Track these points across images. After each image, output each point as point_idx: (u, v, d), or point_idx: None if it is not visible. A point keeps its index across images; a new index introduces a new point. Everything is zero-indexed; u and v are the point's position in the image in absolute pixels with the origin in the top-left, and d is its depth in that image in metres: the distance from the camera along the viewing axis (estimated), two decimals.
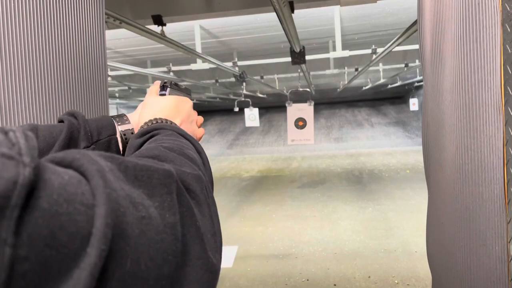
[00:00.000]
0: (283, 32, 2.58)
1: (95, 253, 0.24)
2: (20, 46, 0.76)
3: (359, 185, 6.99)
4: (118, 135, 0.70)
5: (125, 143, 0.70)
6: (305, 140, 5.13)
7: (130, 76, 6.92)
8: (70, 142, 0.63)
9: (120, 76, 6.71)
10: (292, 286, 3.33)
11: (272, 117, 14.95)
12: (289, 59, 3.84)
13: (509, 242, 0.70)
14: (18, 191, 0.21)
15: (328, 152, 11.32)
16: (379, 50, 4.17)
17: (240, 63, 5.21)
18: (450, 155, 0.86)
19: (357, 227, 4.67)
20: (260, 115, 8.29)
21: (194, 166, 0.45)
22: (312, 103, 5.18)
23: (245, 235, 4.64)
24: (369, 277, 3.37)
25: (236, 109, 9.13)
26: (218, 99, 11.83)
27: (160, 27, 2.53)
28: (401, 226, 4.62)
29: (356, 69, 6.42)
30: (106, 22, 1.69)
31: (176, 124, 0.63)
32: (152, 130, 0.56)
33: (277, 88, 7.92)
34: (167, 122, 0.61)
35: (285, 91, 8.06)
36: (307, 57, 3.88)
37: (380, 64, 7.00)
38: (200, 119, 0.76)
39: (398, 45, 3.01)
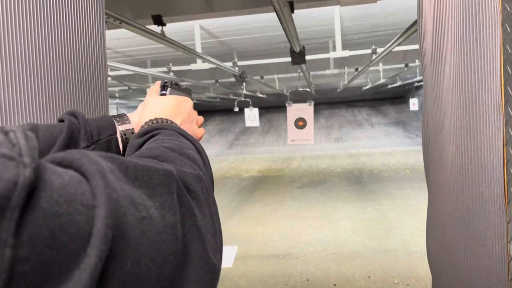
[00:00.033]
0: (283, 32, 2.58)
1: (96, 254, 0.24)
2: (20, 46, 0.76)
3: (359, 185, 6.99)
4: (118, 135, 0.70)
5: (125, 143, 0.70)
6: (305, 140, 5.12)
7: (130, 76, 6.92)
8: (70, 142, 0.63)
9: (120, 76, 6.71)
10: (292, 286, 3.33)
11: (272, 117, 14.95)
12: (289, 59, 3.84)
13: (509, 242, 0.70)
14: (19, 192, 0.21)
15: (328, 152, 11.32)
16: (379, 50, 4.17)
17: (240, 63, 5.21)
18: (450, 155, 0.86)
19: (357, 227, 4.67)
20: (260, 115, 8.29)
21: (194, 166, 0.45)
22: (312, 103, 5.18)
23: (245, 235, 4.64)
24: (369, 277, 3.37)
25: (236, 109, 9.13)
26: (218, 99, 11.83)
27: (160, 27, 2.53)
28: (401, 226, 4.62)
29: (356, 69, 6.42)
30: (106, 22, 1.69)
31: (176, 124, 0.63)
32: (153, 130, 0.56)
33: (277, 88, 7.92)
34: (167, 122, 0.61)
35: (285, 91, 8.06)
36: (307, 57, 3.88)
37: (380, 64, 7.00)
38: (201, 119, 0.76)
39: (398, 45, 3.01)
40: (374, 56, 4.36)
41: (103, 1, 1.04)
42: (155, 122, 0.61)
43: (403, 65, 6.72)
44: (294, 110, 5.16)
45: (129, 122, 0.72)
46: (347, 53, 4.39)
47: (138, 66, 4.94)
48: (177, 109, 0.68)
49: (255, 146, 12.90)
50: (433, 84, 0.99)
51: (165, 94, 0.73)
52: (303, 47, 3.55)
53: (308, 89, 6.90)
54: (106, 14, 1.66)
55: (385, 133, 12.79)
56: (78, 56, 0.93)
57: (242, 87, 6.78)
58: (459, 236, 0.83)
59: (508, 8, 0.69)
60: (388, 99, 14.99)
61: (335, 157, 10.50)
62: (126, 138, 0.70)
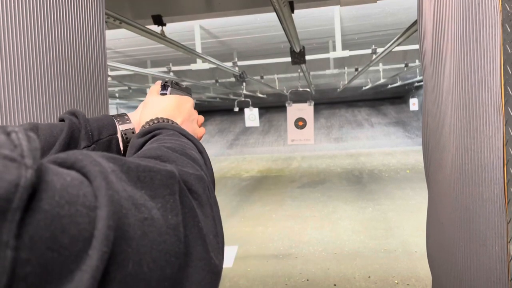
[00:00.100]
0: (283, 32, 2.58)
1: (97, 256, 0.24)
2: (20, 45, 0.76)
3: (359, 185, 6.99)
4: (119, 135, 0.70)
5: (126, 142, 0.70)
6: (305, 140, 5.12)
7: (130, 76, 6.92)
8: (71, 142, 0.63)
9: (120, 76, 6.71)
10: (292, 286, 3.33)
11: (272, 117, 14.95)
12: (289, 59, 3.84)
13: (509, 242, 0.70)
14: (20, 194, 0.21)
15: (328, 152, 11.32)
16: (379, 50, 4.17)
17: (240, 63, 5.20)
18: (450, 155, 0.86)
19: (357, 227, 4.67)
20: (260, 115, 8.29)
21: (196, 167, 0.45)
22: (312, 103, 5.18)
23: (245, 235, 4.64)
24: (369, 277, 3.37)
25: (236, 109, 9.13)
26: (218, 99, 11.82)
27: (160, 27, 2.53)
28: (401, 226, 4.62)
29: (356, 69, 6.42)
30: (106, 22, 1.69)
31: (177, 124, 0.63)
32: (154, 129, 0.56)
33: (277, 88, 7.92)
34: (168, 122, 0.61)
35: (285, 91, 8.06)
36: (307, 57, 3.88)
37: (380, 64, 7.00)
38: (201, 118, 0.76)
39: (398, 45, 3.01)
40: (374, 56, 4.36)
41: (103, 1, 1.04)
42: (156, 121, 0.61)
43: (403, 65, 6.72)
44: (294, 110, 5.16)
45: (130, 122, 0.72)
46: (347, 53, 4.39)
47: (138, 66, 4.93)
48: (177, 109, 0.68)
49: (255, 146, 12.90)
50: (433, 84, 0.99)
51: (165, 94, 0.73)
52: (303, 47, 3.55)
53: (308, 89, 6.90)
54: (106, 14, 1.66)
55: (385, 133, 12.79)
56: (78, 56, 0.93)
57: (242, 87, 6.78)
58: (459, 236, 0.83)
59: (508, 8, 0.69)
60: (388, 99, 14.99)
61: (335, 157, 10.50)
62: (126, 138, 0.70)
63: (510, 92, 0.69)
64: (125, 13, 2.53)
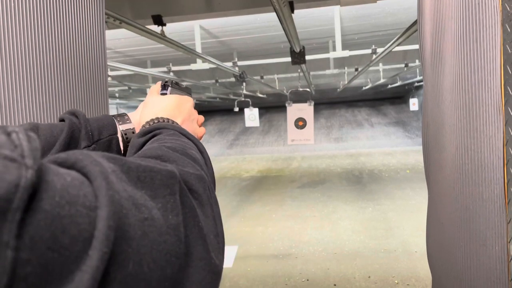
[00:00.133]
0: (283, 32, 2.58)
1: (97, 256, 0.24)
2: (20, 45, 0.76)
3: (359, 185, 6.99)
4: (119, 135, 0.70)
5: (126, 142, 0.70)
6: (305, 140, 5.12)
7: (130, 76, 6.92)
8: (71, 141, 0.63)
9: (120, 76, 6.71)
10: (292, 286, 3.33)
11: (272, 117, 14.95)
12: (289, 59, 3.84)
13: (509, 242, 0.70)
14: (21, 194, 0.21)
15: (328, 152, 11.32)
16: (379, 50, 4.17)
17: (240, 63, 5.20)
18: (450, 155, 0.87)
19: (357, 227, 4.67)
20: (260, 115, 8.29)
21: (196, 166, 0.45)
22: (312, 103, 5.18)
23: (245, 235, 4.64)
24: (369, 277, 3.37)
25: (236, 109, 9.13)
26: (218, 99, 11.82)
27: (160, 27, 2.53)
28: (401, 226, 4.62)
29: (356, 69, 6.42)
30: (106, 22, 1.69)
31: (177, 124, 0.63)
32: (154, 129, 0.56)
33: (277, 88, 7.92)
34: (168, 122, 0.61)
35: (285, 91, 8.06)
36: (307, 57, 3.88)
37: (380, 64, 7.00)
38: (201, 118, 0.76)
39: (398, 45, 3.01)
40: (374, 56, 4.36)
41: (103, 1, 1.04)
42: (156, 121, 0.61)
43: (403, 65, 6.72)
44: (294, 110, 5.16)
45: (130, 122, 0.72)
46: (347, 53, 4.39)
47: (138, 66, 4.93)
48: (178, 109, 0.68)
49: (255, 146, 12.90)
50: (433, 84, 0.99)
51: (165, 94, 0.73)
52: (303, 47, 3.55)
53: (308, 89, 6.90)
54: (106, 14, 1.66)
55: (385, 133, 12.79)
56: (78, 56, 0.93)
57: (242, 87, 6.78)
58: (459, 236, 0.83)
59: (508, 8, 0.69)
60: (388, 99, 14.99)
61: (335, 157, 10.50)
62: (127, 138, 0.70)
63: (510, 92, 0.69)
64: (125, 13, 2.53)
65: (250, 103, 8.02)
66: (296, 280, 3.41)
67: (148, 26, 2.36)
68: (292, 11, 2.14)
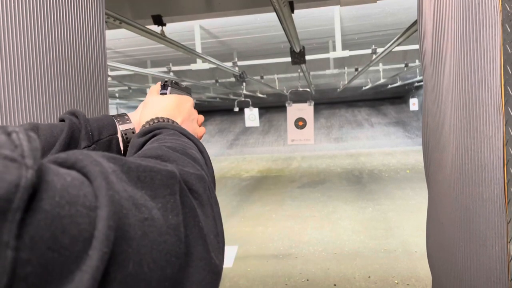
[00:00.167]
0: (283, 32, 2.58)
1: (97, 256, 0.24)
2: (20, 45, 0.76)
3: (359, 185, 6.99)
4: (119, 135, 0.70)
5: (126, 142, 0.70)
6: (305, 140, 5.12)
7: (130, 76, 6.92)
8: (71, 142, 0.63)
9: (120, 76, 6.71)
10: (292, 286, 3.33)
11: (272, 117, 14.95)
12: (289, 59, 3.84)
13: (509, 242, 0.70)
14: (21, 194, 0.21)
15: (328, 152, 11.32)
16: (379, 50, 4.17)
17: (240, 63, 5.20)
18: (450, 155, 0.87)
19: (357, 227, 4.67)
20: (260, 115, 8.29)
21: (197, 166, 0.45)
22: (312, 103, 5.18)
23: (245, 235, 4.64)
24: (369, 277, 3.37)
25: (236, 109, 9.13)
26: (218, 99, 11.82)
27: (160, 27, 2.53)
28: (401, 226, 4.62)
29: (356, 69, 6.42)
30: (106, 22, 1.69)
31: (177, 123, 0.63)
32: (154, 129, 0.56)
33: (277, 88, 7.92)
34: (168, 121, 0.61)
35: (285, 91, 8.06)
36: (307, 57, 3.88)
37: (380, 64, 7.00)
38: (201, 117, 0.76)
39: (398, 45, 3.01)
40: (374, 56, 4.36)
41: (103, 1, 1.04)
42: (156, 121, 0.61)
43: (403, 65, 6.72)
44: (294, 110, 5.16)
45: (130, 122, 0.72)
46: (347, 53, 4.39)
47: (138, 66, 4.93)
48: (177, 108, 0.68)
49: (255, 146, 12.90)
50: (433, 84, 0.99)
51: (165, 94, 0.73)
52: (303, 47, 3.55)
53: (308, 89, 6.90)
54: (106, 14, 1.66)
55: (385, 133, 12.79)
56: (78, 56, 0.93)
57: (242, 87, 6.78)
58: (459, 236, 0.83)
59: (508, 8, 0.69)
60: (388, 99, 14.99)
61: (335, 157, 10.50)
62: (127, 138, 0.70)
63: (510, 92, 0.69)
64: (125, 13, 2.53)
65: (250, 103, 8.02)
66: (296, 280, 3.41)
67: (148, 26, 2.36)
68: (292, 11, 2.14)
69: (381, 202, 5.74)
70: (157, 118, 0.62)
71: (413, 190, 6.26)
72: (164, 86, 0.74)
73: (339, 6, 2.53)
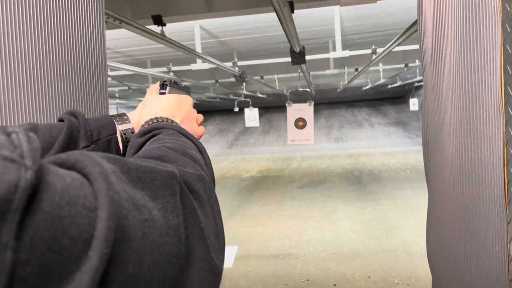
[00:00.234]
0: (283, 32, 2.58)
1: (97, 257, 0.24)
2: (20, 45, 0.76)
3: (359, 185, 6.99)
4: (118, 135, 0.70)
5: (125, 142, 0.70)
6: (305, 140, 5.13)
7: (130, 76, 6.92)
8: (70, 142, 0.63)
9: (120, 76, 6.71)
10: (292, 286, 3.33)
11: (272, 117, 14.95)
12: (289, 59, 3.84)
13: (509, 242, 0.70)
14: (20, 195, 0.21)
15: (328, 152, 11.32)
16: (379, 50, 4.17)
17: (240, 63, 5.20)
18: (450, 155, 0.86)
19: (357, 227, 4.67)
20: (260, 115, 8.29)
21: (197, 167, 0.45)
22: (312, 103, 5.18)
23: (245, 235, 4.64)
24: (369, 277, 3.37)
25: (236, 109, 9.13)
26: (218, 99, 11.82)
27: (160, 27, 2.52)
28: (401, 226, 4.62)
29: (356, 69, 6.42)
30: (106, 22, 1.69)
31: (177, 123, 0.63)
32: (154, 129, 0.56)
33: (277, 88, 7.92)
34: (168, 121, 0.61)
35: (285, 91, 8.06)
36: (307, 57, 3.87)
37: (380, 64, 7.00)
38: (200, 117, 0.76)
39: (398, 45, 3.01)
40: (374, 56, 4.36)
41: (103, 1, 1.04)
42: (155, 121, 0.61)
43: (403, 65, 6.72)
44: (294, 110, 5.16)
45: (129, 122, 0.72)
46: (347, 53, 4.39)
47: (138, 66, 4.93)
48: (177, 108, 0.68)
49: (255, 146, 12.90)
50: (433, 84, 0.99)
51: (164, 93, 0.73)
52: (303, 47, 3.55)
53: (308, 89, 6.90)
54: (106, 14, 1.65)
55: (385, 133, 12.79)
56: (78, 56, 0.93)
57: (242, 87, 6.78)
58: (459, 236, 0.83)
59: (508, 8, 0.69)
60: (388, 99, 14.99)
61: (335, 157, 10.50)
62: (126, 138, 0.70)
63: (510, 92, 0.69)
64: (125, 13, 2.53)
65: (250, 103, 8.02)
66: (296, 280, 3.41)
67: (148, 26, 2.36)
68: (292, 11, 2.14)
69: (381, 202, 5.74)
70: (156, 118, 0.61)
71: (413, 190, 6.26)
72: (163, 86, 0.74)
73: (339, 6, 2.53)
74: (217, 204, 0.45)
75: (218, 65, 4.16)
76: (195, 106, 0.78)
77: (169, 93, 0.73)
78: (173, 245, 0.32)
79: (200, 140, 0.65)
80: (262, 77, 7.22)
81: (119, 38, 4.69)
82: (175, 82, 0.77)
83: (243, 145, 13.13)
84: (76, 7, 0.92)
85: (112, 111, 7.45)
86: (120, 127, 0.70)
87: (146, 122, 0.61)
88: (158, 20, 2.48)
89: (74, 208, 0.24)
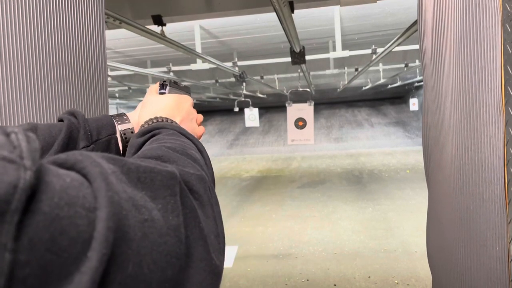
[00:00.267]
0: (283, 32, 2.57)
1: (96, 257, 0.24)
2: (20, 46, 0.76)
3: (359, 185, 6.99)
4: (118, 135, 0.70)
5: (125, 142, 0.70)
6: (305, 140, 5.13)
7: (130, 76, 6.92)
8: (70, 142, 0.63)
9: (120, 76, 6.71)
10: (292, 286, 3.33)
11: (272, 117, 14.95)
12: (289, 59, 3.84)
13: (510, 243, 0.70)
14: (19, 195, 0.21)
15: (328, 152, 11.32)
16: (379, 50, 4.17)
17: (240, 63, 5.20)
18: (451, 155, 0.86)
19: (357, 227, 4.67)
20: (260, 115, 8.29)
21: (197, 167, 0.45)
22: (312, 103, 5.18)
23: (245, 235, 4.64)
24: (369, 277, 3.37)
25: (236, 109, 9.13)
26: (218, 99, 11.82)
27: (160, 27, 2.52)
28: (401, 226, 4.62)
29: (356, 69, 6.42)
30: (106, 22, 1.69)
31: (177, 123, 0.63)
32: (153, 129, 0.56)
33: (277, 88, 7.92)
34: (167, 121, 0.61)
35: (285, 91, 8.06)
36: (307, 57, 3.87)
37: (380, 64, 7.00)
38: (200, 117, 0.76)
39: (398, 45, 3.00)
40: (374, 56, 4.36)
41: (103, 1, 1.04)
42: (155, 121, 0.61)
43: (403, 65, 6.72)
44: (294, 110, 5.16)
45: (129, 122, 0.71)
46: (347, 53, 4.39)
47: (138, 66, 4.93)
48: (176, 108, 0.68)
49: (255, 146, 12.90)
50: (433, 84, 0.98)
51: (164, 93, 0.73)
52: (303, 47, 3.55)
53: (308, 89, 6.90)
54: (106, 14, 1.65)
55: (385, 133, 12.79)
56: (78, 56, 0.93)
57: (242, 87, 6.78)
58: (459, 236, 0.83)
59: (509, 8, 0.69)
60: (388, 99, 14.99)
61: (335, 157, 10.50)
62: (125, 138, 0.70)
63: (511, 92, 0.69)
64: (125, 13, 2.53)
65: (250, 103, 8.02)
66: (296, 280, 3.41)
67: (148, 26, 2.36)
68: (292, 11, 2.14)
69: (381, 202, 5.74)
70: (156, 118, 0.61)
71: (413, 190, 6.26)
72: (162, 86, 0.74)
73: (339, 6, 2.53)
74: (217, 204, 0.45)
75: (218, 65, 4.16)
76: (195, 106, 0.78)
77: (169, 93, 0.73)
78: (173, 245, 0.32)
79: (200, 140, 0.65)
80: (262, 77, 7.22)
81: (119, 38, 4.69)
82: (175, 82, 0.77)
83: (243, 145, 13.13)
84: (76, 7, 0.92)
85: (112, 111, 7.44)
86: (119, 127, 0.70)
87: (146, 122, 0.61)
88: (158, 20, 2.48)
89: (74, 208, 0.24)
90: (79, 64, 0.93)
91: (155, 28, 2.48)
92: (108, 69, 4.11)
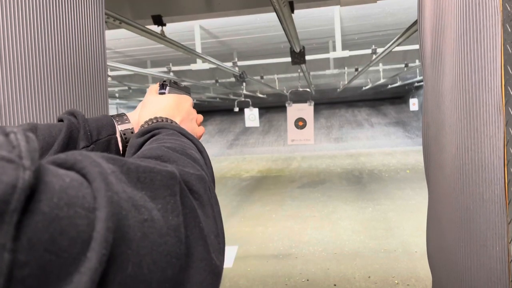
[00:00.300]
0: (283, 32, 2.57)
1: (96, 258, 0.24)
2: (20, 46, 0.76)
3: (359, 185, 6.99)
4: (118, 135, 0.70)
5: (125, 142, 0.70)
6: (305, 140, 5.13)
7: (130, 76, 6.92)
8: (70, 142, 0.63)
9: (120, 76, 6.71)
10: (292, 286, 3.33)
11: (272, 117, 14.95)
12: (289, 59, 3.84)
13: (510, 243, 0.70)
14: (18, 195, 0.21)
15: (328, 152, 11.32)
16: (379, 50, 4.17)
17: (240, 63, 5.20)
18: (451, 155, 0.86)
19: (357, 227, 4.67)
20: (260, 115, 8.30)
21: (197, 166, 0.45)
22: (312, 103, 5.18)
23: (245, 235, 4.64)
24: (369, 277, 3.37)
25: (236, 109, 9.13)
26: (218, 99, 11.82)
27: (160, 27, 2.52)
28: (401, 226, 4.62)
29: (356, 69, 6.42)
30: (106, 22, 1.69)
31: (176, 123, 0.63)
32: (153, 129, 0.56)
33: (277, 88, 7.92)
34: (167, 121, 0.61)
35: (285, 91, 8.06)
36: (307, 57, 3.87)
37: (380, 64, 7.00)
38: (200, 117, 0.76)
39: (398, 45, 3.00)
40: (374, 56, 4.36)
41: (103, 1, 1.04)
42: (155, 121, 0.61)
43: (403, 65, 6.72)
44: (294, 110, 5.16)
45: (129, 122, 0.71)
46: (347, 53, 4.39)
47: (138, 66, 4.93)
48: (176, 108, 0.68)
49: (255, 146, 12.90)
50: (433, 84, 0.98)
51: (164, 93, 0.73)
52: (303, 47, 3.55)
53: (308, 89, 6.90)
54: (106, 14, 1.65)
55: (385, 133, 12.79)
56: (78, 56, 0.93)
57: (242, 87, 6.78)
58: (459, 237, 0.83)
59: (509, 8, 0.69)
60: (388, 99, 14.99)
61: (335, 157, 10.50)
62: (125, 138, 0.70)
63: (511, 92, 0.69)
64: (125, 13, 2.53)
65: (250, 103, 8.02)
66: (296, 280, 3.41)
67: (148, 26, 2.36)
68: (292, 11, 2.14)
69: (381, 202, 5.74)
70: (156, 118, 0.61)
71: (413, 190, 6.26)
72: (162, 86, 0.74)
73: (339, 6, 2.53)
74: (217, 204, 0.45)
75: (218, 65, 4.16)
76: (195, 106, 0.78)
77: (168, 93, 0.73)
78: (173, 245, 0.32)
79: (200, 140, 0.65)
80: (262, 77, 7.22)
81: (119, 38, 4.68)
82: (175, 82, 0.77)
83: (243, 145, 13.14)
84: (76, 7, 0.92)
85: (112, 111, 7.46)
86: (119, 127, 0.70)
87: (146, 122, 0.61)
88: (158, 20, 2.48)
89: (73, 208, 0.24)
90: (79, 64, 0.93)
91: (155, 28, 2.48)
92: (108, 69, 4.11)
